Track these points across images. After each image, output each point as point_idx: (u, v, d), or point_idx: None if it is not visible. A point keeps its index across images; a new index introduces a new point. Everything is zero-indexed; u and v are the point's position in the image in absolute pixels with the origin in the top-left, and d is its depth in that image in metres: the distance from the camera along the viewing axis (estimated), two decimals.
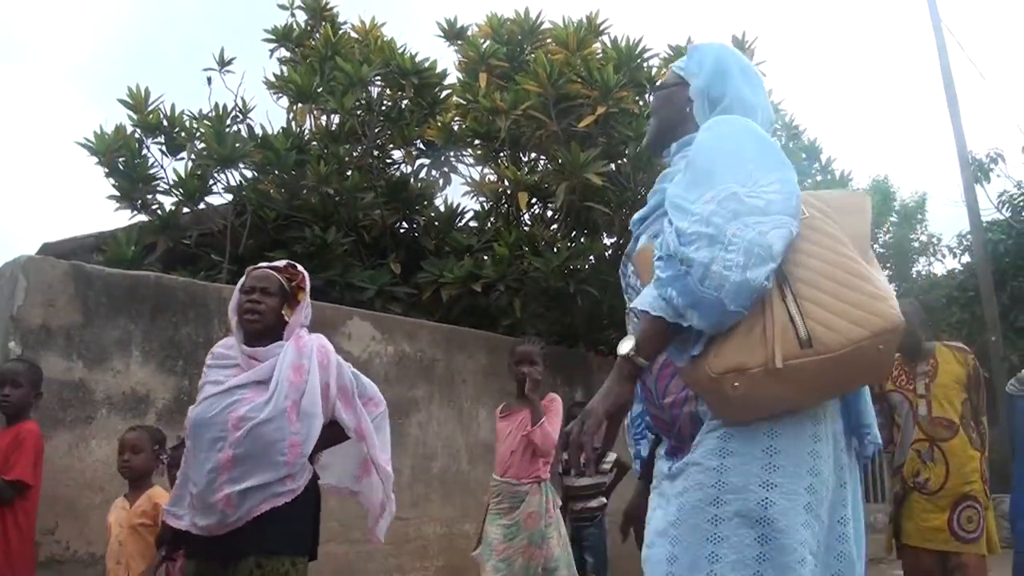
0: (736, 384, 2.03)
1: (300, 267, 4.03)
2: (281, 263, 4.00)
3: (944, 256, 23.03)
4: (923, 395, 5.44)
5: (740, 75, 2.51)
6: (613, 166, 8.73)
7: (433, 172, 10.07)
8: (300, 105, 9.49)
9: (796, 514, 2.04)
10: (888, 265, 23.20)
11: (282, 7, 10.68)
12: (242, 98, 9.50)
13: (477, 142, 9.45)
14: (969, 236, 17.37)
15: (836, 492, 2.15)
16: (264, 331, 3.81)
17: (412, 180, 9.81)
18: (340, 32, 10.27)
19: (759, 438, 2.09)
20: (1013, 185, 19.62)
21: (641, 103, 8.72)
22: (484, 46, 9.45)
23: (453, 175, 10.01)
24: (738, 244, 2.02)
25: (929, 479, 5.29)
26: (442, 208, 9.93)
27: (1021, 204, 19.11)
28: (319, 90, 9.26)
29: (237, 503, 3.51)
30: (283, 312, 3.90)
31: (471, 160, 9.94)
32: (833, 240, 2.14)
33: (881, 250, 23.03)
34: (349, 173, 9.14)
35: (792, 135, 9.50)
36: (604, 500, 6.76)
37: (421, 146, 9.84)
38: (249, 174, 8.89)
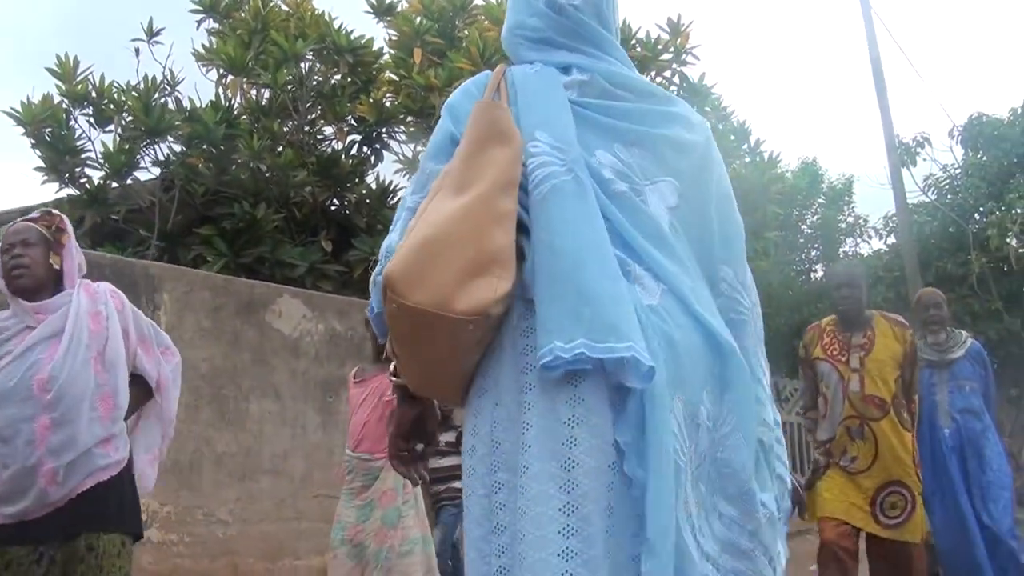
0: (393, 379, 2.05)
1: (56, 211, 3.66)
2: (36, 213, 3.63)
3: (871, 237, 23.33)
4: (856, 369, 5.15)
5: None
6: None
7: (365, 149, 10.01)
8: (231, 78, 9.36)
9: (468, 486, 1.90)
10: (816, 245, 23.51)
11: None
12: (170, 70, 9.37)
13: (410, 119, 9.37)
14: (895, 218, 17.66)
15: (519, 438, 1.81)
16: (37, 285, 3.45)
17: (344, 157, 9.73)
18: (271, 5, 10.14)
19: None
20: (939, 168, 20.04)
21: None
22: (418, 22, 9.38)
23: (385, 152, 9.96)
24: (382, 252, 1.99)
25: (857, 457, 5.06)
26: (374, 185, 9.86)
27: (946, 187, 19.50)
28: (250, 63, 9.13)
29: (62, 479, 3.22)
30: (51, 262, 3.51)
31: (404, 137, 9.88)
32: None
33: (809, 231, 23.34)
34: (281, 149, 9.05)
35: (722, 117, 9.57)
36: None
37: (353, 122, 9.76)
38: (178, 148, 8.77)
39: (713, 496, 1.95)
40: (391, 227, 2.02)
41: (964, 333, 6.44)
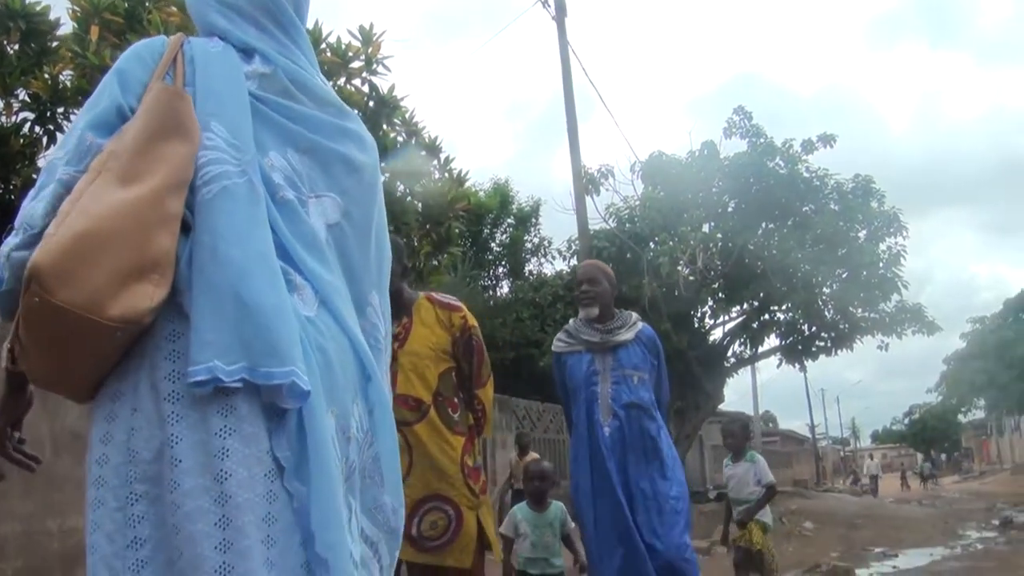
0: (25, 366, 1.83)
1: None
2: None
3: (554, 258, 24.50)
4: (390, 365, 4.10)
5: None
6: None
7: (38, 128, 9.33)
8: None
9: (96, 497, 1.74)
10: (503, 263, 24.26)
11: None
12: None
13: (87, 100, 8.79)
14: (577, 241, 18.48)
15: (163, 453, 1.71)
16: None
17: (14, 135, 9.01)
18: None
19: None
20: (620, 199, 21.26)
21: None
22: None
23: (59, 134, 9.32)
24: (20, 222, 1.77)
25: None
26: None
27: (625, 216, 20.68)
28: None
29: None
30: None
31: None
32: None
33: (498, 249, 24.06)
34: None
35: (412, 131, 9.57)
36: None
37: (26, 98, 9.07)
38: None
39: (355, 506, 1.94)
40: (33, 192, 1.82)
41: (634, 315, 5.57)
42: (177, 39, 2.04)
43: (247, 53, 2.06)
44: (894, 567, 11.52)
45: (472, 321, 4.44)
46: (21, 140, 9.01)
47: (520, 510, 5.77)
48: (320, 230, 1.98)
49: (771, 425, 73.72)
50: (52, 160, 1.87)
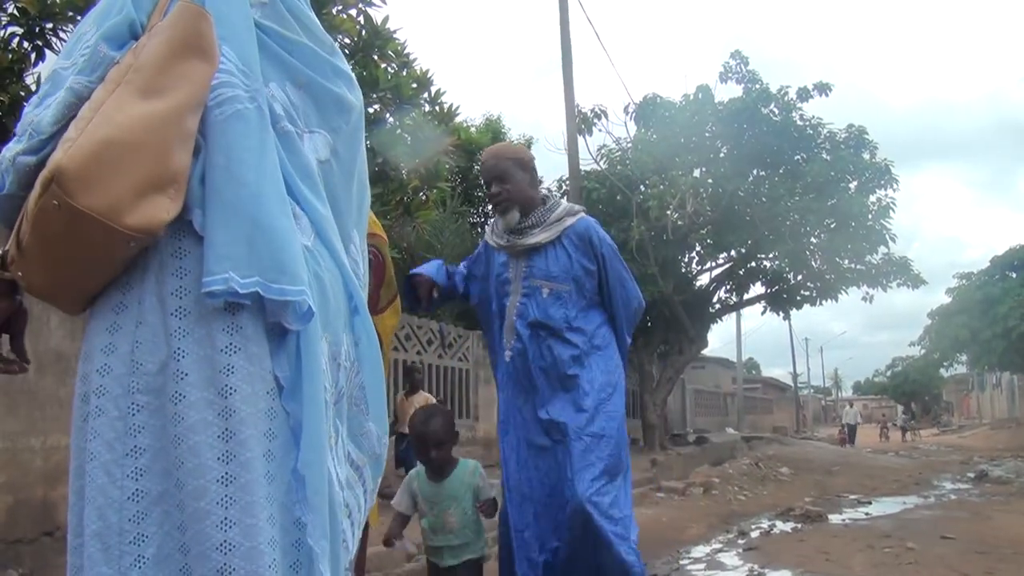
0: (20, 273, 1.85)
1: None
2: None
3: None
4: None
5: None
6: None
7: (26, 44, 9.23)
8: None
9: (97, 406, 1.76)
10: None
11: None
12: None
13: (78, 17, 8.70)
14: (568, 182, 18.43)
15: (167, 366, 1.75)
16: None
17: (1, 51, 8.91)
18: None
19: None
20: (612, 141, 21.18)
21: None
22: None
23: (48, 51, 9.22)
24: (24, 129, 1.79)
25: None
26: (34, 86, 9.09)
27: (617, 158, 20.60)
28: None
29: None
30: None
31: (70, 37, 9.09)
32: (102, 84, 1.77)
33: None
34: None
35: (403, 63, 9.47)
36: None
37: (15, 12, 8.96)
38: None
39: (342, 430, 2.01)
40: (35, 99, 1.83)
41: (563, 205, 4.49)
42: None
43: None
44: (866, 514, 11.64)
45: (378, 230, 3.90)
46: (9, 56, 8.91)
47: (419, 476, 4.33)
48: (312, 164, 2.01)
49: (754, 372, 74.31)
50: (56, 69, 1.87)
